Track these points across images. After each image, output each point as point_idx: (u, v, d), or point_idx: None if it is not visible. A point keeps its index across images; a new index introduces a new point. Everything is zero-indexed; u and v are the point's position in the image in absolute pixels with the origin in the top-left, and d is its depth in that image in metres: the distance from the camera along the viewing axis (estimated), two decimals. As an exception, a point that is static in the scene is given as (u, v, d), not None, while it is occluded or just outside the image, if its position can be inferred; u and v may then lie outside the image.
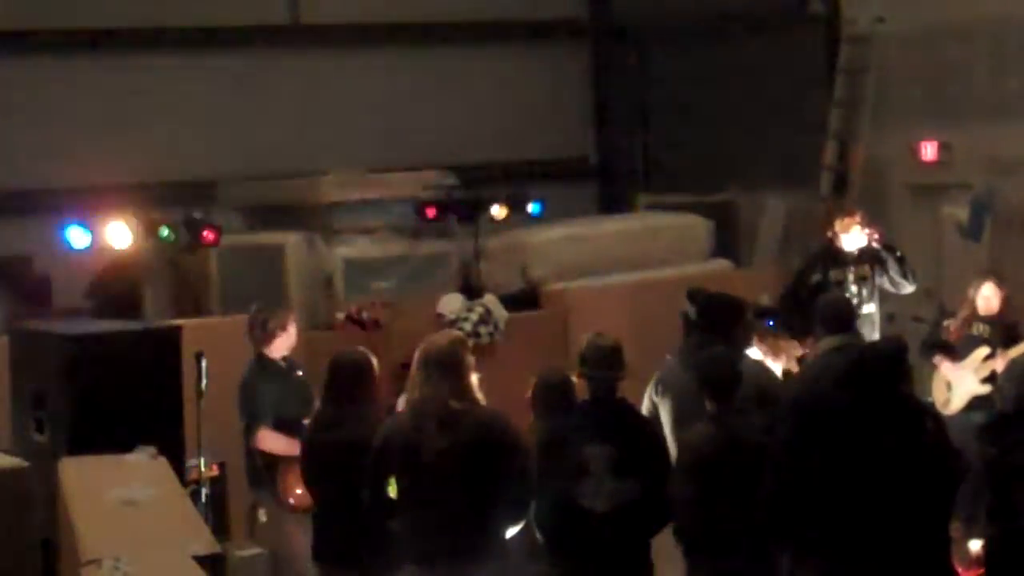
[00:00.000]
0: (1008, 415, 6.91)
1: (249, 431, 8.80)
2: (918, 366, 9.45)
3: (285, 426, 8.68)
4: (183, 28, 16.37)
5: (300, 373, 9.13)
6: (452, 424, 6.71)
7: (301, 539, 8.45)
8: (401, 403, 7.41)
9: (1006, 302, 10.48)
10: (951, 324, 10.58)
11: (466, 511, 6.68)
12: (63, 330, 8.30)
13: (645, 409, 7.93)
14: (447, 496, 6.68)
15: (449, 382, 6.79)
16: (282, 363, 9.04)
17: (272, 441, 8.66)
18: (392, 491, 6.86)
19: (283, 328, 9.04)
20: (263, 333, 9.00)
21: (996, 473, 6.68)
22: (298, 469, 8.59)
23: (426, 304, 12.63)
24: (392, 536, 7.01)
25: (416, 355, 6.93)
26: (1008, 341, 10.12)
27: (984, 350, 10.20)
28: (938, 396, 10.44)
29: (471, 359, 6.93)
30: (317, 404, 8.25)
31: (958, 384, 10.29)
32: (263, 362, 8.94)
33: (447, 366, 6.82)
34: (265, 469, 8.73)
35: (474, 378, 6.90)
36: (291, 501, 8.63)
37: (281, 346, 9.02)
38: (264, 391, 8.77)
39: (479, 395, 6.91)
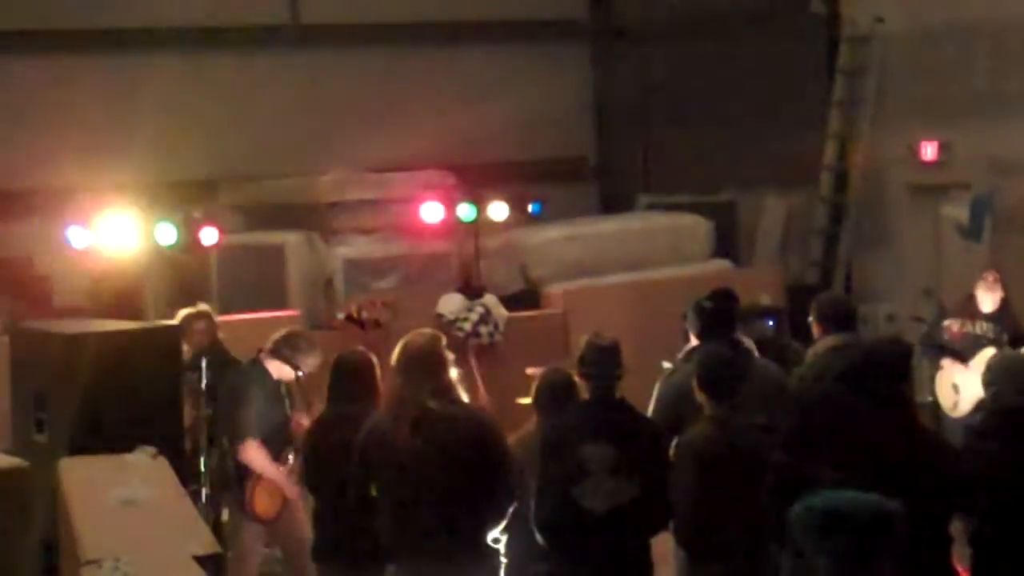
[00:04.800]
0: (1000, 411, 6.91)
1: (234, 441, 8.78)
2: (918, 367, 9.44)
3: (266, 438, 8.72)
4: (183, 28, 16.38)
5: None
6: (425, 425, 6.69)
7: (256, 546, 8.78)
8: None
9: (1005, 299, 10.47)
10: (953, 324, 10.56)
11: (444, 511, 6.67)
12: (63, 330, 8.30)
13: (654, 415, 7.90)
14: (424, 497, 6.68)
15: (428, 381, 6.76)
16: (274, 378, 8.89)
17: (258, 460, 8.64)
18: (375, 491, 6.86)
19: (293, 367, 8.86)
20: (280, 349, 8.84)
21: (996, 470, 6.68)
22: (267, 483, 8.66)
23: (426, 304, 12.63)
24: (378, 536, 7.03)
25: (395, 355, 6.92)
26: (1014, 341, 10.07)
27: (991, 351, 10.16)
28: (945, 398, 10.42)
29: (450, 355, 6.91)
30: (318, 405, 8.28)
31: (966, 386, 10.25)
32: (259, 369, 8.82)
33: (425, 364, 6.79)
34: (236, 476, 8.76)
35: (454, 374, 6.88)
36: (258, 513, 8.69)
37: (276, 369, 8.84)
38: (253, 401, 8.70)
39: (460, 392, 6.89)
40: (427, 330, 7.26)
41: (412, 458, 6.67)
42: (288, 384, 8.99)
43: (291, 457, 8.80)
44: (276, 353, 8.90)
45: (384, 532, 6.86)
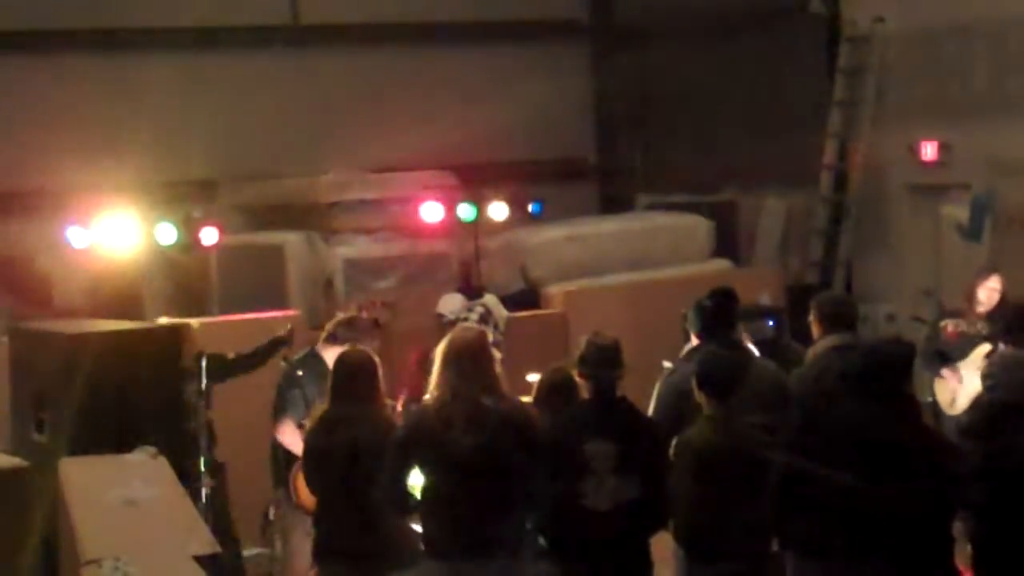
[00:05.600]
0: (995, 406, 6.92)
1: (274, 421, 8.80)
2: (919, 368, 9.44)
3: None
4: (183, 28, 16.38)
5: None
6: (480, 421, 6.70)
7: (301, 539, 8.52)
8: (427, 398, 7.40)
9: (1004, 297, 10.47)
10: (948, 324, 10.55)
11: (491, 506, 6.67)
12: (63, 330, 8.30)
13: (654, 414, 7.91)
14: (474, 492, 6.68)
15: (480, 377, 6.77)
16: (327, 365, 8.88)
17: (291, 437, 8.64)
18: (410, 484, 6.86)
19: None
20: (339, 334, 8.87)
21: (991, 466, 6.69)
22: None
23: (426, 304, 12.63)
24: (398, 532, 7.02)
25: (441, 350, 6.90)
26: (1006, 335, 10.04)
27: (986, 347, 10.12)
28: (943, 396, 10.41)
29: (495, 352, 6.95)
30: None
31: (964, 384, 10.24)
32: (314, 356, 8.85)
33: (477, 361, 6.80)
34: (285, 467, 8.73)
35: (499, 369, 6.91)
36: (304, 503, 8.67)
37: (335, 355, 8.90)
38: (302, 386, 8.71)
39: (505, 387, 6.92)
40: (472, 326, 7.28)
41: (466, 454, 6.67)
42: None
43: None
44: (334, 339, 8.87)
45: (426, 527, 6.86)
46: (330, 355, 8.78)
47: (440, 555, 6.76)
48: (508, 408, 6.80)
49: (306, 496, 8.65)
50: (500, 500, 6.68)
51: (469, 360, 6.79)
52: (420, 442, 6.81)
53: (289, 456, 8.71)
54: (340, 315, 9.30)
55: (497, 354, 6.97)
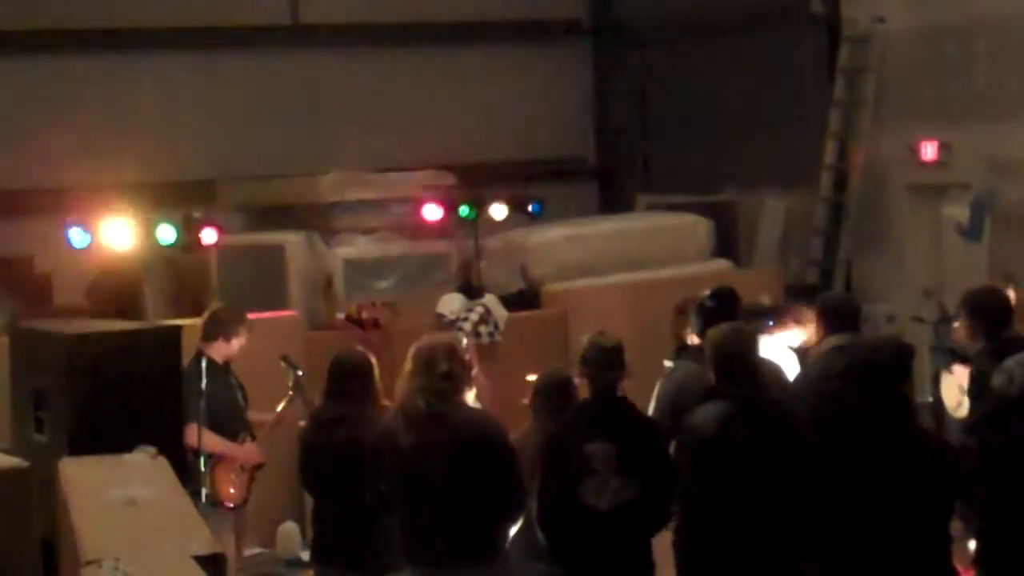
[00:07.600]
0: (992, 403, 6.93)
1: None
2: (919, 367, 9.43)
3: (215, 428, 8.71)
4: (183, 28, 16.39)
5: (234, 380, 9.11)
6: (419, 424, 6.70)
7: (226, 535, 8.57)
8: None
9: (1019, 305, 10.46)
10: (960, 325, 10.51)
11: (444, 512, 6.66)
12: (63, 330, 8.28)
13: (655, 413, 7.91)
14: (425, 497, 6.68)
15: (424, 381, 6.76)
16: (221, 364, 9.00)
17: (193, 440, 8.53)
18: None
19: (225, 339, 9.01)
20: (209, 331, 8.98)
21: (989, 465, 6.69)
22: (229, 466, 8.66)
23: (426, 304, 12.62)
24: (392, 535, 7.02)
25: (408, 356, 6.93)
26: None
27: None
28: (950, 399, 10.39)
29: (453, 361, 6.87)
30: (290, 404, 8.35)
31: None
32: (200, 360, 8.79)
33: (424, 365, 6.80)
34: (195, 467, 8.64)
35: (456, 379, 6.84)
36: (223, 498, 8.68)
37: (218, 351, 8.99)
38: (197, 388, 8.65)
39: (462, 394, 6.88)
40: (446, 335, 7.28)
41: (410, 458, 6.69)
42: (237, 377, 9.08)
43: (247, 441, 8.93)
44: (207, 337, 8.93)
45: (399, 532, 6.86)
46: (217, 353, 8.93)
47: (414, 560, 6.77)
48: (454, 415, 6.77)
49: (226, 492, 8.70)
50: (455, 506, 6.65)
51: (417, 365, 6.79)
52: (382, 446, 6.83)
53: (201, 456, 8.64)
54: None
55: (452, 361, 6.87)
